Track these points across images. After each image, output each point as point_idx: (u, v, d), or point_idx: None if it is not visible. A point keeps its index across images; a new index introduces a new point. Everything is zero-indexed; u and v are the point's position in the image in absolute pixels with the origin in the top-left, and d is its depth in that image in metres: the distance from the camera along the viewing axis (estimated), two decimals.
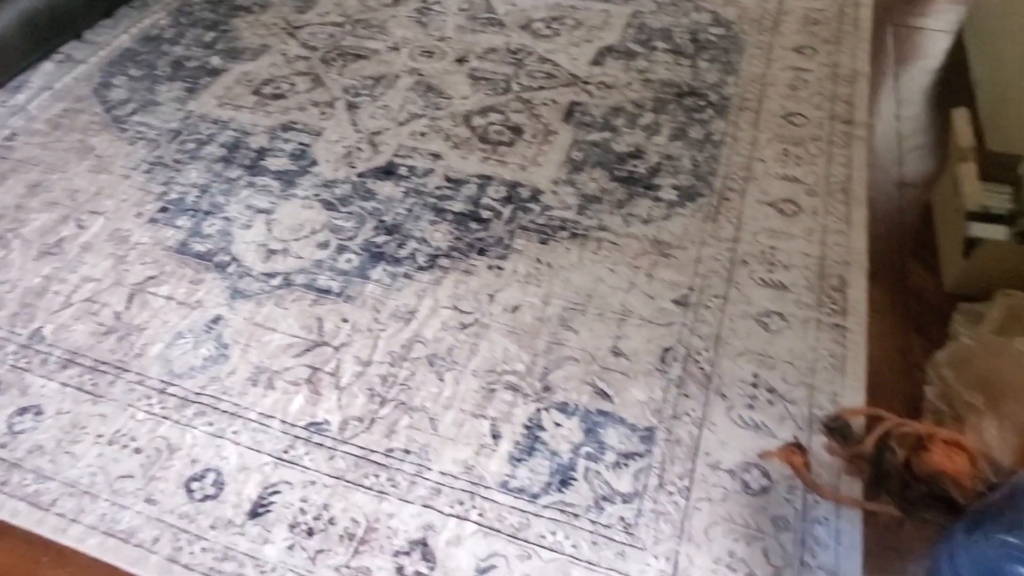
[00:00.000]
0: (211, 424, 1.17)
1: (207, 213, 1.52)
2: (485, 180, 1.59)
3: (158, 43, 2.01)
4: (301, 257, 1.43)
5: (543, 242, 1.46)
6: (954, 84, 1.88)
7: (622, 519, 1.06)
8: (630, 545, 1.04)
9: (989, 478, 1.05)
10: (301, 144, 1.68)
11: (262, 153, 1.66)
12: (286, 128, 1.73)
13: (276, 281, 1.39)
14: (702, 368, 1.25)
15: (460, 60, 1.93)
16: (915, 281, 1.41)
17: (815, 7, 2.12)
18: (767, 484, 1.11)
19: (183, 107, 1.79)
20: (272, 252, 1.44)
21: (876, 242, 1.47)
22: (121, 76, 1.89)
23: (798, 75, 1.88)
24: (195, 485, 1.10)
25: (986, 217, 1.40)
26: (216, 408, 1.19)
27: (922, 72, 1.94)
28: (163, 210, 1.53)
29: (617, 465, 1.12)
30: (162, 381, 1.23)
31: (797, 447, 1.14)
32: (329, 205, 1.54)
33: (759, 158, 1.65)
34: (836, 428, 1.16)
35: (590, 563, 1.02)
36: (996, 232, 1.38)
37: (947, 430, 1.10)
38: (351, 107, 1.78)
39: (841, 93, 1.82)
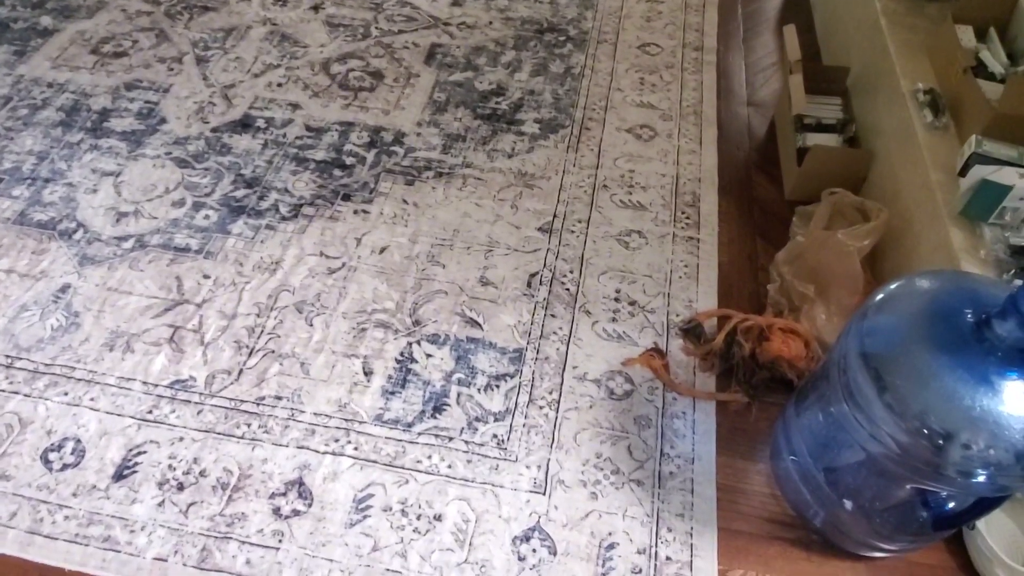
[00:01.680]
0: (66, 394, 1.12)
1: (47, 180, 1.43)
2: (347, 127, 1.56)
3: None
4: (155, 218, 1.37)
5: (409, 183, 1.46)
6: (796, 7, 1.99)
7: (495, 436, 1.10)
8: (503, 459, 1.08)
9: (821, 358, 1.16)
10: (148, 103, 1.60)
11: (105, 114, 1.56)
12: (130, 87, 1.63)
13: (128, 244, 1.33)
14: (568, 289, 1.30)
15: (316, 7, 1.87)
16: (760, 192, 1.50)
17: None
18: (630, 388, 1.17)
19: (12, 71, 1.65)
20: (122, 215, 1.37)
21: (726, 159, 1.55)
22: None
23: (652, 7, 1.93)
24: (53, 456, 1.06)
25: (818, 128, 1.50)
26: (70, 377, 1.14)
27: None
28: None
29: (488, 387, 1.16)
30: (7, 356, 1.16)
31: (656, 351, 1.22)
32: (182, 163, 1.47)
33: (617, 88, 1.69)
34: (690, 330, 1.24)
35: (465, 480, 1.06)
36: (827, 140, 1.49)
37: (784, 320, 1.20)
38: (201, 61, 1.70)
39: (692, 22, 1.89)
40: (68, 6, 1.84)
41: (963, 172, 1.07)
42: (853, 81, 1.55)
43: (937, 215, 1.12)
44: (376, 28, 1.82)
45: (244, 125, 1.56)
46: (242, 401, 1.13)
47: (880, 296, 0.84)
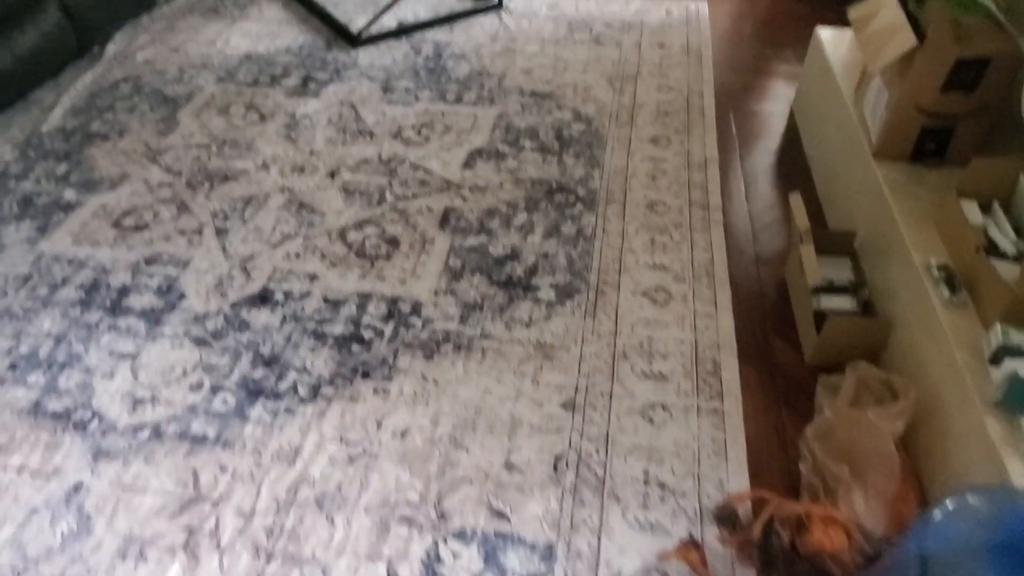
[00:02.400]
0: None
1: (63, 366, 1.42)
2: (364, 298, 1.58)
3: (3, 180, 1.90)
4: (172, 403, 1.35)
5: (428, 357, 1.45)
6: (792, 162, 2.07)
7: None
8: None
9: (865, 549, 1.11)
10: (168, 277, 1.61)
11: (124, 291, 1.58)
12: (150, 261, 1.65)
13: (144, 434, 1.30)
14: (594, 472, 1.27)
15: (332, 174, 1.94)
16: (780, 357, 1.50)
17: (665, 99, 2.29)
18: None
19: (33, 249, 1.68)
20: (139, 401, 1.35)
21: (742, 322, 1.56)
22: None
23: (656, 165, 2.01)
24: None
25: (831, 289, 1.52)
26: None
27: (765, 152, 2.13)
28: (12, 367, 1.41)
29: None
30: (14, 570, 1.11)
31: (692, 544, 1.17)
32: (201, 342, 1.47)
33: (629, 249, 1.73)
34: (725, 517, 1.20)
35: None
36: (842, 303, 1.50)
37: (822, 507, 1.16)
38: (220, 233, 1.74)
39: (696, 179, 1.96)
40: (91, 179, 1.90)
41: (994, 361, 1.07)
42: (861, 244, 1.59)
43: (968, 399, 1.11)
44: (391, 193, 1.88)
45: (263, 299, 1.57)
46: None
47: (937, 517, 0.81)
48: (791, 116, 2.26)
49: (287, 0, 2.86)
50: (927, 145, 1.51)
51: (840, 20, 2.83)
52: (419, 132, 2.11)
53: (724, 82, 2.41)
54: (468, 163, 1.99)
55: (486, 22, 2.73)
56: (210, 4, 2.83)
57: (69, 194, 1.85)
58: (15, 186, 1.88)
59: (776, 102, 2.34)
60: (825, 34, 2.07)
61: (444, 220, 1.80)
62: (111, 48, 2.51)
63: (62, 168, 1.94)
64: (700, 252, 1.73)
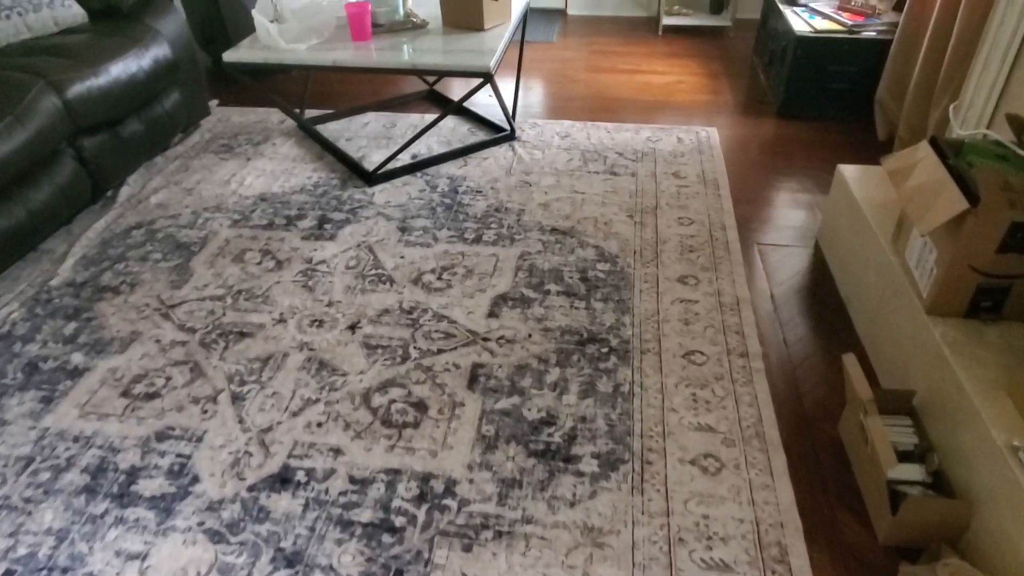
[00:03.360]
0: None
1: (65, 571, 1.28)
2: (394, 475, 1.46)
3: (8, 342, 1.81)
4: None
5: (467, 549, 1.32)
6: (825, 301, 2.01)
7: None
8: None
9: None
10: (180, 456, 1.50)
11: (133, 474, 1.46)
12: (162, 437, 1.54)
13: None
14: None
15: (352, 327, 1.86)
16: (849, 536, 1.37)
17: (688, 233, 2.26)
18: None
19: (37, 424, 1.57)
20: None
21: (802, 491, 1.45)
22: None
23: (687, 308, 1.95)
24: None
25: (898, 455, 1.42)
26: None
27: (795, 290, 2.07)
28: (8, 573, 1.27)
29: None
30: None
31: None
32: (216, 536, 1.34)
33: (671, 408, 1.63)
34: None
35: None
36: (911, 472, 1.39)
37: None
38: (236, 399, 1.64)
39: (730, 323, 1.89)
40: (101, 339, 1.82)
41: None
42: (920, 404, 1.49)
43: None
44: (415, 348, 1.79)
45: (283, 480, 1.45)
46: None
47: None
48: (816, 249, 2.22)
49: (301, 137, 2.88)
50: (983, 302, 1.45)
51: (845, 142, 2.89)
52: (440, 277, 2.05)
53: (743, 213, 2.40)
54: (493, 311, 1.92)
55: (500, 154, 2.74)
56: (224, 143, 2.85)
57: (77, 358, 1.76)
58: (21, 350, 1.78)
59: (797, 233, 2.31)
60: (848, 172, 2.05)
61: (473, 379, 1.70)
62: (125, 191, 2.50)
63: (70, 328, 1.86)
64: (746, 408, 1.63)
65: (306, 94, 3.03)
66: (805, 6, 3.19)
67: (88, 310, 1.92)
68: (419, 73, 2.33)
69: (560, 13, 4.52)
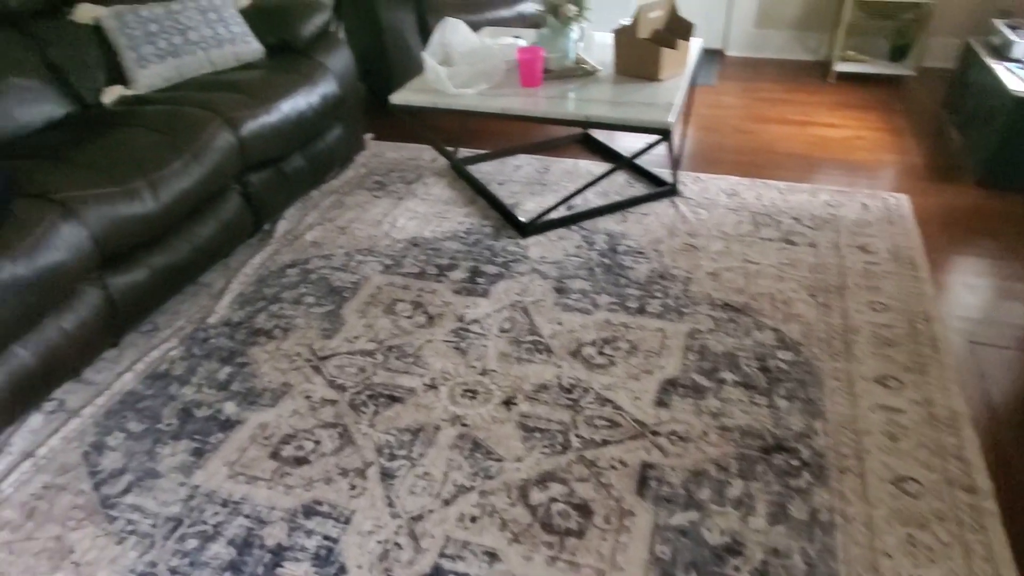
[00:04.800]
0: None
1: None
2: None
3: (166, 383, 1.79)
4: None
5: None
6: None
7: None
8: None
9: None
10: (327, 539, 1.39)
11: (279, 554, 1.36)
12: (309, 512, 1.44)
13: None
14: None
15: (508, 402, 1.71)
16: None
17: (883, 323, 1.96)
18: None
19: (187, 480, 1.52)
20: None
21: None
22: (118, 433, 1.65)
23: (891, 418, 1.66)
24: None
25: None
26: None
27: None
28: None
29: None
30: None
31: None
32: None
33: (884, 551, 1.36)
34: None
35: None
36: None
37: None
38: (386, 476, 1.52)
39: (948, 444, 1.59)
40: (253, 389, 1.77)
41: None
42: None
43: None
44: (576, 435, 1.62)
45: None
46: None
47: None
48: None
49: (453, 178, 2.81)
50: None
51: None
52: (601, 351, 1.87)
53: (949, 301, 2.06)
54: (662, 399, 1.72)
55: (661, 210, 2.54)
56: (378, 179, 2.82)
57: (229, 407, 1.71)
58: (177, 392, 1.76)
59: (1020, 334, 1.95)
60: None
61: (642, 481, 1.50)
62: (282, 225, 2.50)
63: (224, 373, 1.82)
64: (980, 564, 1.33)
65: (461, 134, 2.97)
66: (1021, 62, 2.79)
67: (242, 354, 1.89)
68: (591, 126, 2.18)
69: (718, 54, 4.28)
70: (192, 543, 1.39)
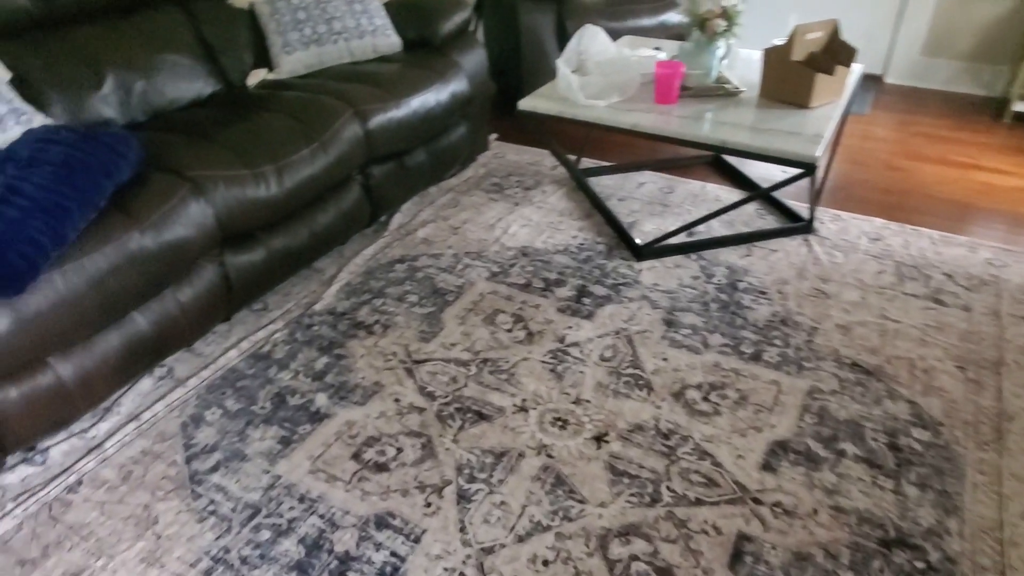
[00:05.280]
0: None
1: None
2: None
3: (266, 364, 1.83)
4: None
5: None
6: None
7: None
8: None
9: None
10: (394, 556, 1.35)
11: (346, 563, 1.34)
12: (381, 523, 1.41)
13: None
14: None
15: (599, 439, 1.61)
16: None
17: None
18: None
19: (271, 468, 1.53)
20: None
21: None
22: (216, 409, 1.69)
23: None
24: None
25: None
26: None
27: None
28: None
29: None
30: None
31: None
32: None
33: None
34: None
35: None
36: None
37: None
38: (462, 499, 1.46)
39: None
40: (346, 384, 1.77)
41: None
42: None
43: None
44: (668, 488, 1.49)
45: None
46: None
47: None
48: None
49: (572, 188, 2.73)
50: None
51: None
52: (707, 396, 1.73)
53: None
54: (769, 462, 1.56)
55: (791, 248, 2.34)
56: (496, 181, 2.79)
57: (321, 399, 1.72)
58: (275, 376, 1.79)
59: None
60: None
61: (736, 555, 1.36)
62: (397, 219, 2.51)
63: (321, 363, 1.84)
64: None
65: (586, 143, 2.88)
66: None
67: (341, 346, 1.90)
68: (726, 152, 2.03)
69: (876, 80, 3.93)
70: (265, 535, 1.39)
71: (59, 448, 1.59)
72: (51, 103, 1.89)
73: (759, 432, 1.63)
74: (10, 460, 1.54)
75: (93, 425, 1.64)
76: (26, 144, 1.55)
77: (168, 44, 2.19)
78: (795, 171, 2.02)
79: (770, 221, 2.50)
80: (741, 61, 2.55)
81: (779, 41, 2.18)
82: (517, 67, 3.25)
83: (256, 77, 2.37)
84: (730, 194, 2.68)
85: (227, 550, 1.36)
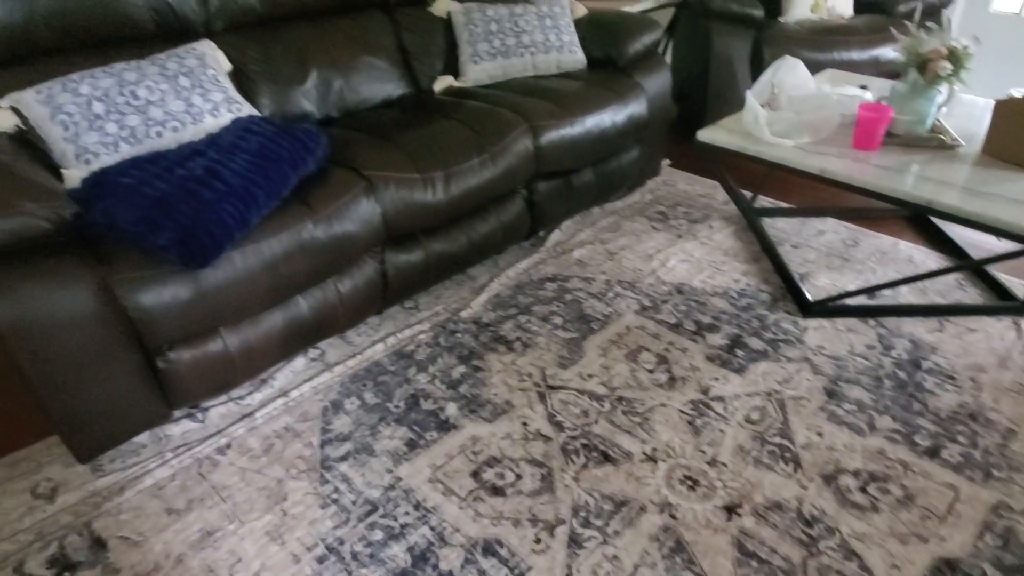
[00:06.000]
0: None
1: None
2: None
3: (407, 364, 1.88)
4: None
5: None
6: None
7: None
8: None
9: None
10: None
11: None
12: (488, 550, 1.39)
13: None
14: None
15: (730, 509, 1.48)
16: None
17: None
18: None
19: (394, 469, 1.57)
20: None
21: None
22: (355, 399, 1.77)
23: None
24: None
25: None
26: None
27: None
28: None
29: None
30: None
31: None
32: None
33: None
34: None
35: None
36: None
37: None
38: (573, 543, 1.40)
39: None
40: (478, 398, 1.77)
41: None
42: None
43: None
44: None
45: None
46: None
47: None
48: None
49: (742, 227, 2.56)
50: None
51: None
52: (864, 487, 1.53)
53: None
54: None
55: (995, 330, 2.02)
56: (662, 210, 2.68)
57: (451, 409, 1.73)
58: (413, 376, 1.84)
59: None
60: None
61: None
62: (554, 236, 2.50)
63: (459, 371, 1.86)
64: None
65: (765, 180, 2.69)
66: None
67: (480, 357, 1.91)
68: (930, 212, 1.79)
69: None
70: (378, 535, 1.42)
71: (217, 410, 1.73)
72: (261, 94, 2.08)
73: (924, 542, 1.41)
74: (176, 414, 1.70)
75: (248, 394, 1.78)
76: (231, 131, 1.70)
77: (369, 46, 2.33)
78: (1016, 245, 1.73)
79: (972, 295, 2.18)
80: (963, 110, 2.25)
81: (1017, 92, 1.89)
82: (703, 92, 3.11)
83: (442, 83, 2.45)
84: (927, 257, 2.37)
85: (341, 541, 1.41)
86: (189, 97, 1.75)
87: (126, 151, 1.63)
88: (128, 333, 1.46)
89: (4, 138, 1.59)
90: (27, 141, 1.64)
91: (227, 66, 1.97)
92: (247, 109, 1.87)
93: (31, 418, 1.72)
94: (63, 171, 1.60)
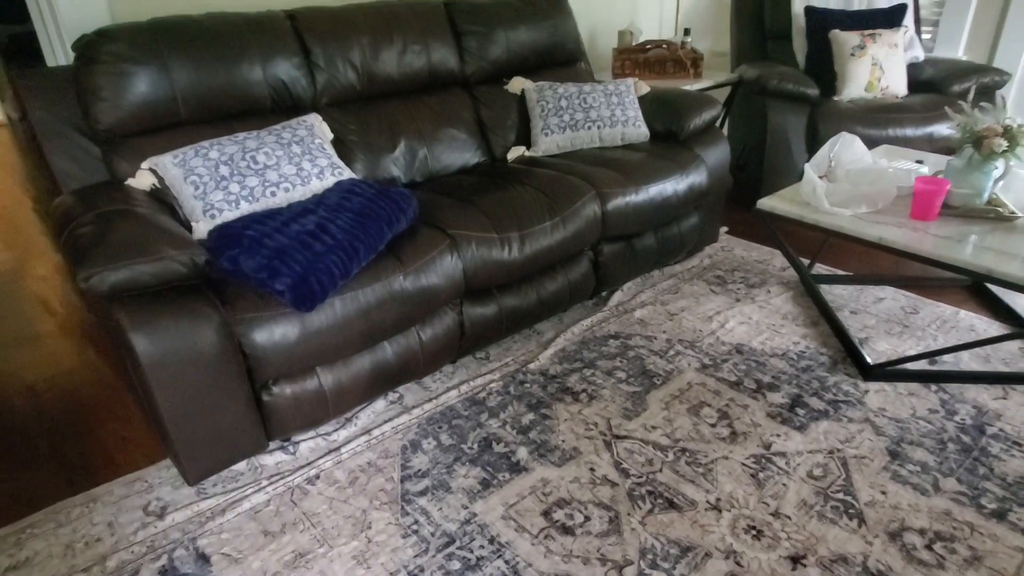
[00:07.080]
0: None
1: None
2: None
3: (479, 409, 2.01)
4: None
5: None
6: None
7: None
8: None
9: None
10: None
11: None
12: None
13: None
14: None
15: (795, 559, 1.52)
16: None
17: None
18: None
19: (470, 505, 1.67)
20: None
21: None
22: (431, 440, 1.89)
23: None
24: None
25: None
26: None
27: None
28: None
29: None
30: None
31: None
32: None
33: None
34: None
35: None
36: None
37: None
38: None
39: None
40: (547, 443, 1.87)
41: None
42: None
43: None
44: None
45: None
46: None
47: None
48: None
49: (800, 293, 2.63)
50: None
51: None
52: (930, 546, 1.55)
53: None
54: None
55: None
56: (719, 274, 2.79)
57: (522, 452, 1.84)
58: (485, 421, 1.96)
59: None
60: None
61: None
62: (617, 296, 2.62)
63: (528, 418, 1.97)
64: None
65: (822, 248, 2.77)
66: None
67: (548, 406, 2.02)
68: (990, 281, 1.85)
69: None
70: (456, 565, 1.52)
71: (307, 444, 1.88)
72: (357, 160, 2.31)
73: None
74: (271, 445, 1.85)
75: (335, 431, 1.92)
76: (335, 192, 1.91)
77: (451, 120, 2.56)
78: None
79: None
80: (1019, 184, 2.32)
81: None
82: (759, 164, 3.25)
83: (515, 153, 2.66)
84: (988, 326, 2.40)
85: (422, 569, 1.51)
86: (300, 162, 1.98)
87: (245, 208, 1.85)
88: (241, 368, 1.63)
89: (143, 195, 1.84)
90: (159, 198, 1.89)
91: (330, 136, 2.21)
92: (347, 173, 2.09)
93: (145, 443, 1.90)
94: (192, 224, 1.83)
